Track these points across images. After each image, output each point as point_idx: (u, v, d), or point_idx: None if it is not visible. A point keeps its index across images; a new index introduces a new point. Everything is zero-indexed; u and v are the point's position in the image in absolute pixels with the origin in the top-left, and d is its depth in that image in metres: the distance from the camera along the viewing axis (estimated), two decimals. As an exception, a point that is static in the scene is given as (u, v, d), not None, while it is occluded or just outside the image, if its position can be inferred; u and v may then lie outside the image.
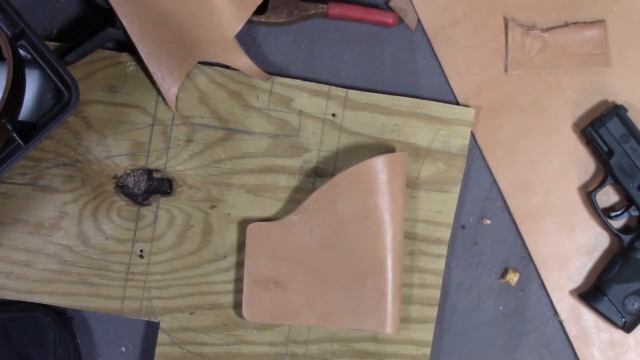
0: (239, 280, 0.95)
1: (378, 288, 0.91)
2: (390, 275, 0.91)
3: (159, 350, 0.95)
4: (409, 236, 0.95)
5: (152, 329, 0.97)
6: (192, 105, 0.95)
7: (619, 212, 0.95)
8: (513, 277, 0.97)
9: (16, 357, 0.92)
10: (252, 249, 0.93)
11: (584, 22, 0.96)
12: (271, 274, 0.93)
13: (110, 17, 0.91)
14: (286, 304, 0.93)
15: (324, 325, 0.93)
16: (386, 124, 0.95)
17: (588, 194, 0.95)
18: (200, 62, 0.94)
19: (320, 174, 0.95)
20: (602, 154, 0.94)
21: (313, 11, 0.95)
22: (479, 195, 0.98)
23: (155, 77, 0.92)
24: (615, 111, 0.93)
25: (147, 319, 0.95)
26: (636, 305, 0.93)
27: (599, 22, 0.96)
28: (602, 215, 0.95)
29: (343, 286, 0.92)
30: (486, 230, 0.98)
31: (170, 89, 0.93)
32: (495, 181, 0.97)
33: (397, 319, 0.92)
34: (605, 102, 0.97)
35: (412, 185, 0.95)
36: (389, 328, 0.91)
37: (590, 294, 0.95)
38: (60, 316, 0.94)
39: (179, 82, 0.93)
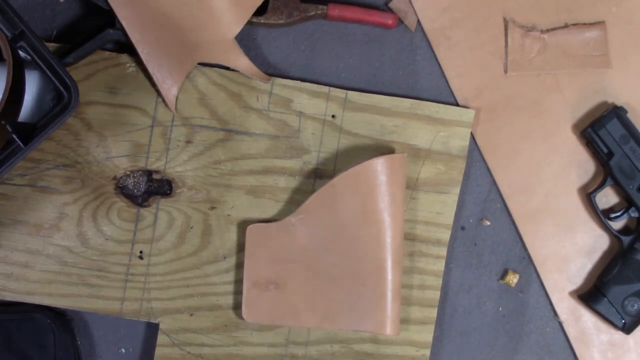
0: (238, 282, 0.95)
1: (378, 289, 0.91)
2: (390, 276, 0.91)
3: (158, 351, 0.94)
4: (409, 237, 0.95)
5: (151, 330, 0.97)
6: (192, 106, 0.95)
7: (618, 214, 0.95)
8: (513, 278, 0.97)
9: (16, 358, 0.92)
10: (252, 250, 0.93)
11: (584, 24, 0.96)
12: (271, 275, 0.93)
13: (110, 19, 0.91)
14: (286, 305, 0.93)
15: (323, 326, 0.93)
16: (386, 125, 0.95)
17: (588, 195, 0.95)
18: (200, 63, 0.94)
19: (320, 175, 0.95)
20: (601, 155, 0.94)
21: (313, 12, 0.95)
22: (479, 196, 0.98)
23: (155, 78, 0.92)
24: (615, 112, 0.93)
25: (147, 320, 0.95)
26: (636, 307, 0.93)
27: (599, 24, 0.96)
28: (602, 216, 0.95)
29: (343, 287, 0.92)
30: (486, 231, 0.98)
31: (170, 90, 0.93)
32: (495, 182, 0.97)
33: (397, 320, 0.92)
34: (605, 103, 0.97)
35: (411, 186, 0.95)
36: (389, 329, 0.91)
37: (590, 295, 0.95)
38: (60, 317, 0.94)
39: (178, 83, 0.93)
